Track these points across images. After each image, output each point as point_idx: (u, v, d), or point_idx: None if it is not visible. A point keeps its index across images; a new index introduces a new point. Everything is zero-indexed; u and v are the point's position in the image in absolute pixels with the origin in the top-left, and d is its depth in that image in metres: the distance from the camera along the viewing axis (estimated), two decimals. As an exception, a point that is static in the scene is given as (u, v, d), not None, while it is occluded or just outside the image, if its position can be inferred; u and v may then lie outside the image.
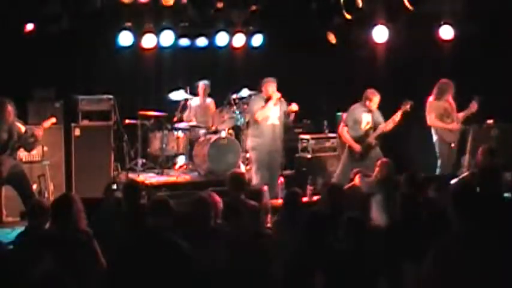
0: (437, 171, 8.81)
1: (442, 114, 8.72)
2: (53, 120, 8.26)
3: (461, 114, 8.74)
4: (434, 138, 8.88)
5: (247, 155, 9.41)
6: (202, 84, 10.26)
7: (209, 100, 10.38)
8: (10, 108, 7.76)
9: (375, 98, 8.50)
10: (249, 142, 8.90)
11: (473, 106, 8.60)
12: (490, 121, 8.99)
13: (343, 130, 8.69)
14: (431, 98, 8.75)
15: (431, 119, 8.74)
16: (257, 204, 6.03)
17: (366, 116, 8.56)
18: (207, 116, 10.28)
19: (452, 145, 8.82)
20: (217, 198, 5.22)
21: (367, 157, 8.47)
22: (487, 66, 8.95)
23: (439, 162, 8.87)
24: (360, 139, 8.52)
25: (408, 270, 4.48)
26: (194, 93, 10.42)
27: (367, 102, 8.52)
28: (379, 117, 8.59)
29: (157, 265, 4.26)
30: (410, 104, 8.38)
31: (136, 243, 4.47)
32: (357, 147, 8.48)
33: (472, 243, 3.84)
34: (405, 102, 8.39)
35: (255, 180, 8.50)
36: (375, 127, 8.54)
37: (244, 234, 4.62)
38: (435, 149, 8.96)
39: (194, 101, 10.36)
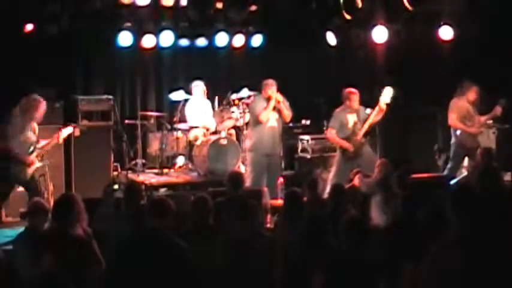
0: (445, 172, 8.77)
1: (464, 116, 8.60)
2: (70, 130, 8.11)
3: (483, 118, 8.65)
4: (453, 140, 8.79)
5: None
6: (202, 86, 10.20)
7: (206, 101, 10.34)
8: (43, 108, 7.59)
9: (354, 96, 8.48)
10: (247, 143, 8.90)
11: (497, 110, 8.53)
12: (490, 122, 8.99)
13: (331, 133, 8.63)
14: (454, 99, 8.65)
15: (452, 119, 8.64)
16: (257, 203, 6.02)
17: (350, 116, 8.53)
18: (205, 117, 10.25)
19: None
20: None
21: (360, 155, 8.47)
22: (487, 67, 8.94)
23: (450, 163, 8.81)
24: (349, 138, 8.51)
25: (407, 271, 4.49)
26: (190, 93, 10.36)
27: (348, 102, 8.51)
28: (364, 114, 8.56)
29: (157, 265, 4.27)
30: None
31: (136, 244, 4.47)
32: (349, 146, 8.46)
33: (471, 243, 3.85)
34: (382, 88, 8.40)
35: (247, 182, 8.48)
36: (363, 124, 8.52)
37: (244, 234, 4.61)
38: (449, 150, 8.90)
39: (191, 102, 10.30)
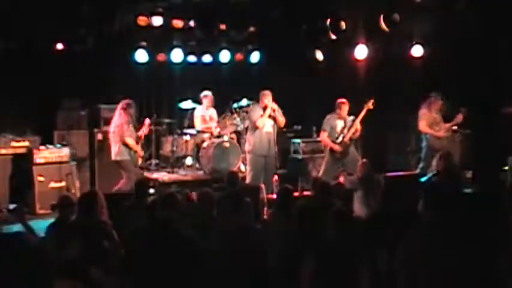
0: (418, 171, 8.78)
1: (432, 123, 8.64)
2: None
3: (448, 125, 8.68)
4: (423, 143, 8.80)
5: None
6: (210, 95, 10.19)
7: (212, 110, 10.34)
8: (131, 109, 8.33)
9: (344, 106, 8.58)
10: (247, 146, 8.91)
11: (459, 117, 8.56)
12: (455, 128, 9.00)
13: (323, 136, 8.71)
14: (423, 109, 8.69)
15: (422, 125, 8.66)
16: (250, 200, 6.00)
17: (339, 122, 8.63)
18: (210, 123, 10.24)
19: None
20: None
21: (346, 156, 8.55)
22: (451, 81, 8.96)
23: (421, 164, 8.79)
24: (337, 141, 8.56)
25: (384, 257, 4.49)
26: (199, 102, 10.35)
27: (338, 111, 8.61)
28: (351, 121, 8.64)
29: (168, 253, 4.23)
30: (372, 101, 8.42)
31: (149, 233, 4.44)
32: (337, 147, 8.52)
33: (437, 233, 3.87)
34: (367, 100, 8.44)
35: (247, 180, 8.52)
36: (348, 129, 8.57)
37: (236, 226, 4.57)
38: (421, 152, 8.92)
39: (199, 110, 10.30)
